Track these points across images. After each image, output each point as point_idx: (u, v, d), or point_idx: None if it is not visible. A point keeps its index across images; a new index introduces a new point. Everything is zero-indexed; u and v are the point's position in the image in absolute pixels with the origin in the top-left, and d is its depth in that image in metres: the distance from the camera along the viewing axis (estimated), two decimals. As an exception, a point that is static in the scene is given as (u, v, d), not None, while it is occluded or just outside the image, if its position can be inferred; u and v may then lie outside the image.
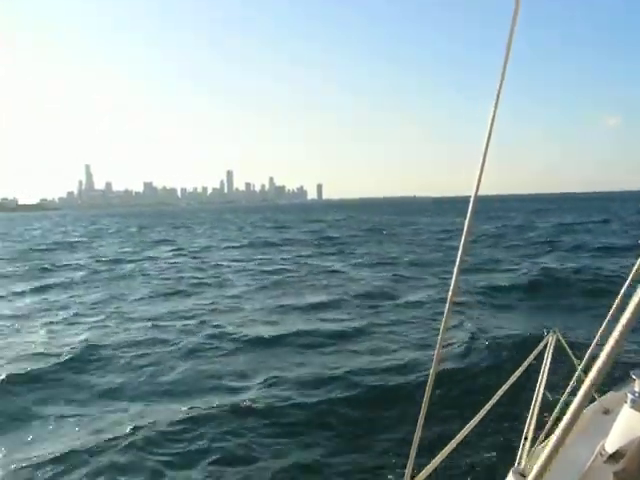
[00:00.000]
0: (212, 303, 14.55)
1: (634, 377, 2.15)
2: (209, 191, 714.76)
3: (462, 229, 1.19)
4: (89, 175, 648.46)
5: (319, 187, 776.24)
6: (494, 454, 5.23)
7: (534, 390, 2.11)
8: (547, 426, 1.95)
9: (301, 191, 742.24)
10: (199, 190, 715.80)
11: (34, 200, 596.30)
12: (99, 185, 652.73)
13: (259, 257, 26.55)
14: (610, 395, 2.85)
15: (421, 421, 1.27)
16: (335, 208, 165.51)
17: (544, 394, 2.01)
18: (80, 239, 46.43)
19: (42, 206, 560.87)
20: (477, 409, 1.99)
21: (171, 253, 30.53)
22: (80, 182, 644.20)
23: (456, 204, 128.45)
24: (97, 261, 26.58)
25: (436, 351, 1.24)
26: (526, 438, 1.83)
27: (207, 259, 26.43)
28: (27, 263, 26.78)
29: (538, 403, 1.99)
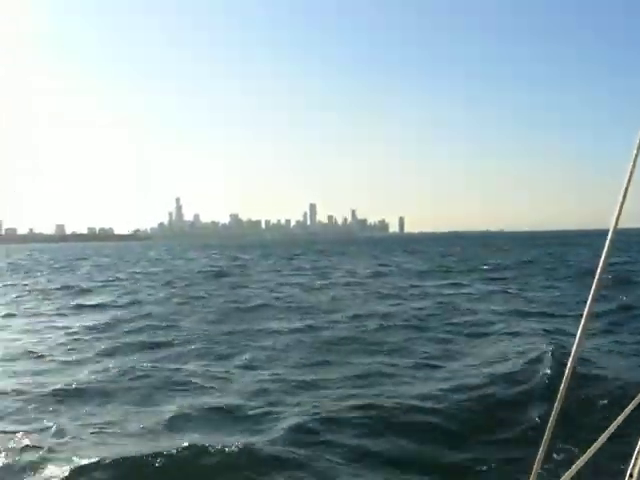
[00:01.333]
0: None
1: None
2: (292, 223, 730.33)
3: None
4: (179, 207, 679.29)
5: (401, 220, 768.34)
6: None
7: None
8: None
9: (383, 224, 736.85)
10: (282, 222, 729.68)
11: (128, 230, 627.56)
12: (188, 217, 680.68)
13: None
14: None
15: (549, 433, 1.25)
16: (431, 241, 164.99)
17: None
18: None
19: (136, 236, 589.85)
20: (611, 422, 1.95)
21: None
22: (170, 214, 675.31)
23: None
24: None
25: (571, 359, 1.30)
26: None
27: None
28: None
29: None
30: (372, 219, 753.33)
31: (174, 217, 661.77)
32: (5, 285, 33.64)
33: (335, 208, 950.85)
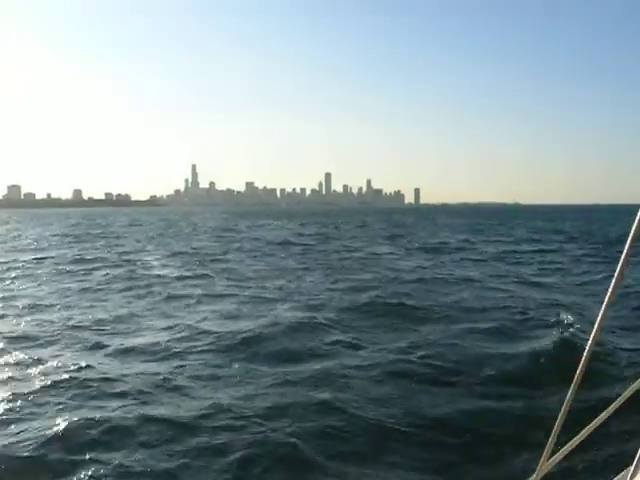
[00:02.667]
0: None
1: None
2: (307, 192, 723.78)
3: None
4: (194, 174, 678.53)
5: (416, 191, 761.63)
6: (626, 446, 5.05)
7: None
8: None
9: (398, 195, 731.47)
10: (297, 191, 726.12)
11: (144, 197, 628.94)
12: (204, 184, 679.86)
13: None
14: None
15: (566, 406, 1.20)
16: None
17: None
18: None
19: (152, 202, 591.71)
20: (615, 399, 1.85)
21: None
22: (186, 181, 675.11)
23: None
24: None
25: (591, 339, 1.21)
26: None
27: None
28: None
29: None
30: (387, 189, 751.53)
31: (190, 184, 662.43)
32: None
33: (350, 178, 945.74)
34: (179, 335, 10.76)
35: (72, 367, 8.45)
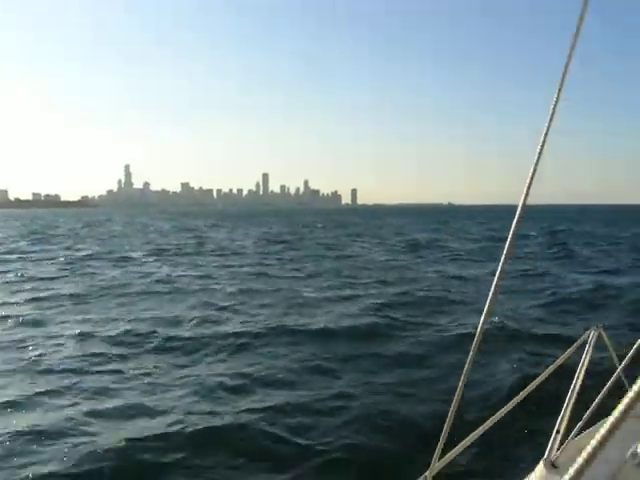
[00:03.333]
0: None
1: None
2: (244, 193, 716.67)
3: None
4: (128, 174, 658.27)
5: (353, 192, 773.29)
6: (523, 444, 5.25)
7: (570, 384, 2.06)
8: (581, 422, 1.87)
9: (335, 195, 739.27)
10: (234, 192, 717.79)
11: (75, 197, 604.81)
12: (138, 184, 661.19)
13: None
14: None
15: (454, 406, 1.19)
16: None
17: (580, 389, 1.96)
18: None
19: (83, 203, 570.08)
20: (511, 399, 1.98)
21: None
22: (119, 181, 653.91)
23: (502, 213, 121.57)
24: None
25: (476, 337, 1.21)
26: (558, 431, 1.73)
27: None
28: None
29: (574, 398, 1.93)
30: (325, 190, 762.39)
31: (123, 184, 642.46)
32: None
33: (288, 178, 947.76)
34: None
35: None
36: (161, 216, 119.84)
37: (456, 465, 4.18)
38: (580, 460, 1.82)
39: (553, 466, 1.42)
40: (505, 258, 1.16)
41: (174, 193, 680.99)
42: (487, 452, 5.01)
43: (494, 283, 1.33)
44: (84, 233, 53.69)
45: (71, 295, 15.41)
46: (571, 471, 1.86)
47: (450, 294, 15.28)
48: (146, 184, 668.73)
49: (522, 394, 1.97)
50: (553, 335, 9.87)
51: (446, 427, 1.37)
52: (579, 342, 2.38)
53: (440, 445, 1.44)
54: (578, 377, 2.04)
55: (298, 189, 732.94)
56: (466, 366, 1.24)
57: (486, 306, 1.24)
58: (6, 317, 12.41)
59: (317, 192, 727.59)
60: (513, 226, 1.05)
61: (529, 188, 1.15)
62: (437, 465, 1.56)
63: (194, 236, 45.48)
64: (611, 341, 2.38)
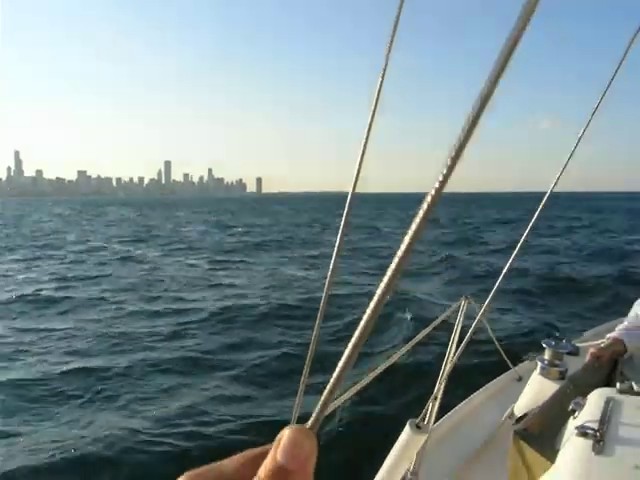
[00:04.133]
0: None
1: (544, 345, 2.47)
2: (146, 182, 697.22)
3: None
4: (18, 162, 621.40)
5: (258, 180, 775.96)
6: (396, 407, 5.27)
7: (443, 350, 2.17)
8: (437, 385, 1.90)
9: (240, 184, 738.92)
10: (135, 180, 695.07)
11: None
12: (29, 172, 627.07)
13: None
14: (525, 364, 3.19)
15: (307, 368, 1.16)
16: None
17: (452, 355, 2.04)
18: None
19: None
20: (382, 363, 1.96)
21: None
22: (9, 169, 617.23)
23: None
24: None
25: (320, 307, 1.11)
26: (431, 395, 1.84)
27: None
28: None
29: (448, 364, 2.00)
30: (229, 178, 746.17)
31: (12, 173, 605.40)
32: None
33: (191, 166, 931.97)
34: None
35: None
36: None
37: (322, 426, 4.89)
38: (448, 422, 2.03)
39: (418, 427, 1.38)
40: (341, 237, 1.05)
41: (70, 182, 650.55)
42: (357, 415, 5.05)
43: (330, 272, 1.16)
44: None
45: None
46: (438, 432, 2.11)
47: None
48: (39, 172, 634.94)
49: (392, 359, 1.94)
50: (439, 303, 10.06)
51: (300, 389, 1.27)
52: (449, 312, 2.52)
53: (296, 410, 1.30)
54: (452, 343, 2.10)
55: (202, 177, 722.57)
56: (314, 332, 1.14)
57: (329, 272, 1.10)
58: None
59: (221, 180, 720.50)
60: (344, 214, 0.98)
61: (357, 178, 1.06)
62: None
63: None
64: (480, 310, 2.21)
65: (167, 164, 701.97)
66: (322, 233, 31.00)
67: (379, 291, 0.27)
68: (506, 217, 47.37)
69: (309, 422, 0.33)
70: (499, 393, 3.03)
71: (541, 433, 1.79)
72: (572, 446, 1.41)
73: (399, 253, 0.26)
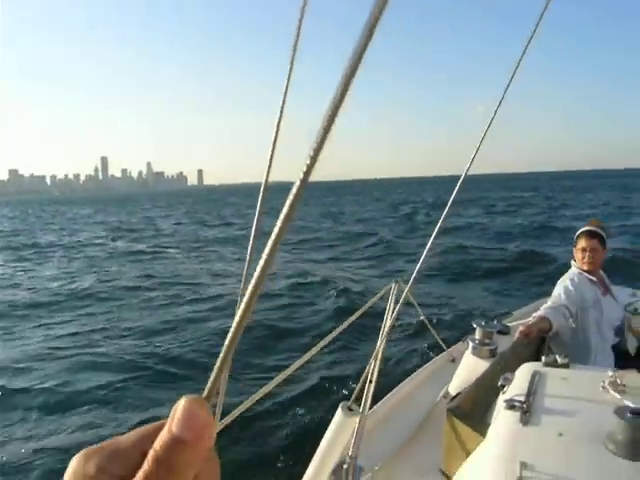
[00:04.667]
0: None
1: (475, 326, 2.57)
2: (82, 178, 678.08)
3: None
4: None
5: (199, 172, 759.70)
6: (329, 389, 5.26)
7: (377, 333, 2.10)
8: (370, 368, 1.85)
9: (181, 177, 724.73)
10: (70, 177, 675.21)
11: None
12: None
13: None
14: (458, 345, 3.27)
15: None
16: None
17: (386, 337, 1.98)
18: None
19: None
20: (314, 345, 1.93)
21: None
22: None
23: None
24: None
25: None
26: (366, 378, 1.81)
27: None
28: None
29: (382, 345, 1.95)
30: (169, 172, 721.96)
31: None
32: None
33: (129, 161, 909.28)
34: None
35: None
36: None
37: (259, 410, 4.46)
38: (386, 405, 2.19)
39: (350, 410, 1.44)
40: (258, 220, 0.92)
41: (1, 182, 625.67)
42: (292, 400, 4.98)
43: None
44: None
45: None
46: (376, 416, 2.23)
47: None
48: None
49: (324, 341, 1.93)
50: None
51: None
52: (380, 294, 2.52)
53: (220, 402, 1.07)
54: (384, 327, 2.07)
55: (141, 172, 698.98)
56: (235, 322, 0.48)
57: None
58: None
59: (161, 174, 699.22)
60: (258, 208, 0.88)
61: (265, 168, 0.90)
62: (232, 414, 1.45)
63: None
64: (411, 292, 2.22)
65: (104, 160, 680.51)
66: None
67: (259, 267, 0.28)
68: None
69: (205, 392, 0.32)
70: (434, 374, 3.10)
71: (473, 409, 1.86)
72: (501, 419, 1.47)
73: (276, 230, 0.27)
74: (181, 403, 0.31)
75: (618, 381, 1.57)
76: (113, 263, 16.66)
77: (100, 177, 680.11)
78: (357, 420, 1.56)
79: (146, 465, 0.30)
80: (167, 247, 20.56)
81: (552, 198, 42.66)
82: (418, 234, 20.15)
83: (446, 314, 8.01)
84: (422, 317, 3.54)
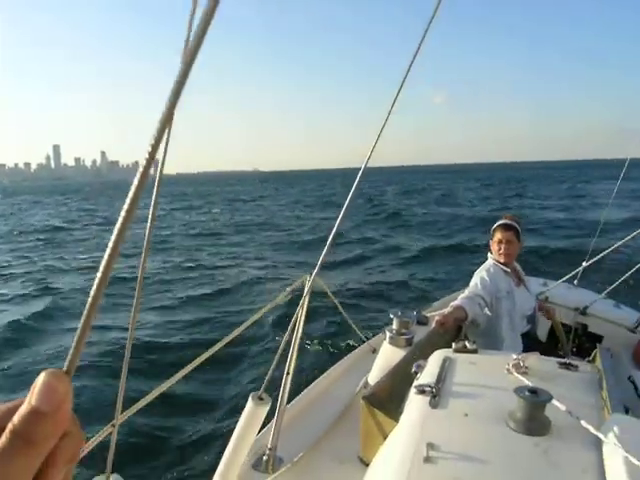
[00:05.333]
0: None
1: (392, 316, 2.57)
2: (33, 167, 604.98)
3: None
4: None
5: (155, 162, 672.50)
6: (241, 380, 5.37)
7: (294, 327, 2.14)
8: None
9: (136, 166, 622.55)
10: (21, 166, 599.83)
11: None
12: None
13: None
14: (378, 336, 3.21)
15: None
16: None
17: (300, 330, 2.05)
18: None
19: None
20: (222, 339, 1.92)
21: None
22: None
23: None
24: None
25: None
26: (272, 367, 1.87)
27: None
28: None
29: (295, 340, 2.04)
30: (125, 161, 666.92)
31: None
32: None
33: (83, 150, 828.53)
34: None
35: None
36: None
37: (167, 402, 4.21)
38: (306, 396, 2.45)
39: (260, 399, 1.55)
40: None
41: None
42: (207, 392, 5.10)
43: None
44: None
45: None
46: (296, 407, 2.38)
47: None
48: None
49: (233, 334, 1.85)
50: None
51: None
52: (293, 287, 2.42)
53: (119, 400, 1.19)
54: (298, 317, 2.06)
55: (95, 161, 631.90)
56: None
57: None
58: None
59: (116, 163, 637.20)
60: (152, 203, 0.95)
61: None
62: (124, 413, 1.39)
63: None
64: (325, 285, 2.60)
65: (56, 148, 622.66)
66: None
67: (111, 242, 0.28)
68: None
69: (65, 365, 0.32)
70: (355, 365, 3.07)
71: (389, 397, 1.85)
72: (412, 404, 1.49)
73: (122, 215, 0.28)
74: (41, 376, 0.30)
75: (521, 364, 1.64)
76: None
77: (52, 166, 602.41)
78: (266, 409, 1.60)
79: (3, 437, 0.29)
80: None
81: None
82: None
83: (366, 306, 7.86)
84: (340, 309, 3.24)
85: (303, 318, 2.07)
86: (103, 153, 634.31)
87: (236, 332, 1.93)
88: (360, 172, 1.68)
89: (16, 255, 15.69)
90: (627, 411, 1.97)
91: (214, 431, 4.31)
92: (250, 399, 1.62)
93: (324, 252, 1.75)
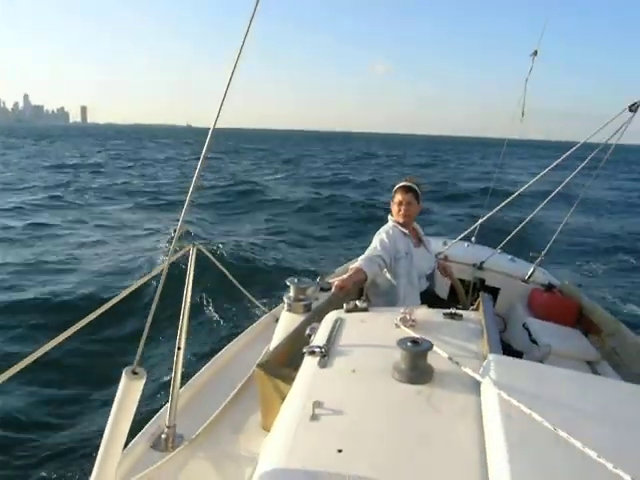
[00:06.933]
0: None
1: (288, 283, 2.61)
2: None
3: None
4: None
5: (83, 109, 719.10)
6: (110, 354, 5.21)
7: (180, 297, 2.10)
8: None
9: (62, 112, 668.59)
10: None
11: None
12: None
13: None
14: (280, 306, 3.10)
15: None
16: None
17: (186, 304, 2.04)
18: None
19: None
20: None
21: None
22: None
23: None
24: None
25: None
26: (143, 337, 1.65)
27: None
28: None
29: (184, 314, 2.02)
30: (49, 106, 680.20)
31: None
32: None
33: (2, 91, 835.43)
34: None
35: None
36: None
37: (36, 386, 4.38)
38: (209, 370, 2.52)
39: (135, 373, 1.44)
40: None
41: None
42: (83, 369, 4.93)
43: None
44: None
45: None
46: (198, 382, 2.48)
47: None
48: None
49: (109, 304, 1.76)
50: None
51: None
52: (176, 256, 2.32)
53: None
54: (186, 291, 2.06)
55: (17, 104, 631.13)
56: None
57: None
58: None
59: (40, 108, 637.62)
60: None
61: None
62: None
63: None
64: (210, 254, 2.63)
65: None
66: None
67: None
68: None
69: None
70: (258, 336, 3.14)
71: (286, 362, 1.89)
72: (303, 366, 1.53)
73: None
74: None
75: (408, 317, 1.70)
76: None
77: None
78: (141, 383, 1.49)
79: None
80: None
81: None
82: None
83: (268, 274, 7.93)
84: (231, 278, 3.25)
85: (190, 290, 2.06)
86: (26, 96, 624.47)
87: (113, 301, 1.81)
88: (209, 134, 1.54)
89: None
90: (521, 355, 2.35)
91: (87, 413, 4.22)
92: (124, 374, 1.44)
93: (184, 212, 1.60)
